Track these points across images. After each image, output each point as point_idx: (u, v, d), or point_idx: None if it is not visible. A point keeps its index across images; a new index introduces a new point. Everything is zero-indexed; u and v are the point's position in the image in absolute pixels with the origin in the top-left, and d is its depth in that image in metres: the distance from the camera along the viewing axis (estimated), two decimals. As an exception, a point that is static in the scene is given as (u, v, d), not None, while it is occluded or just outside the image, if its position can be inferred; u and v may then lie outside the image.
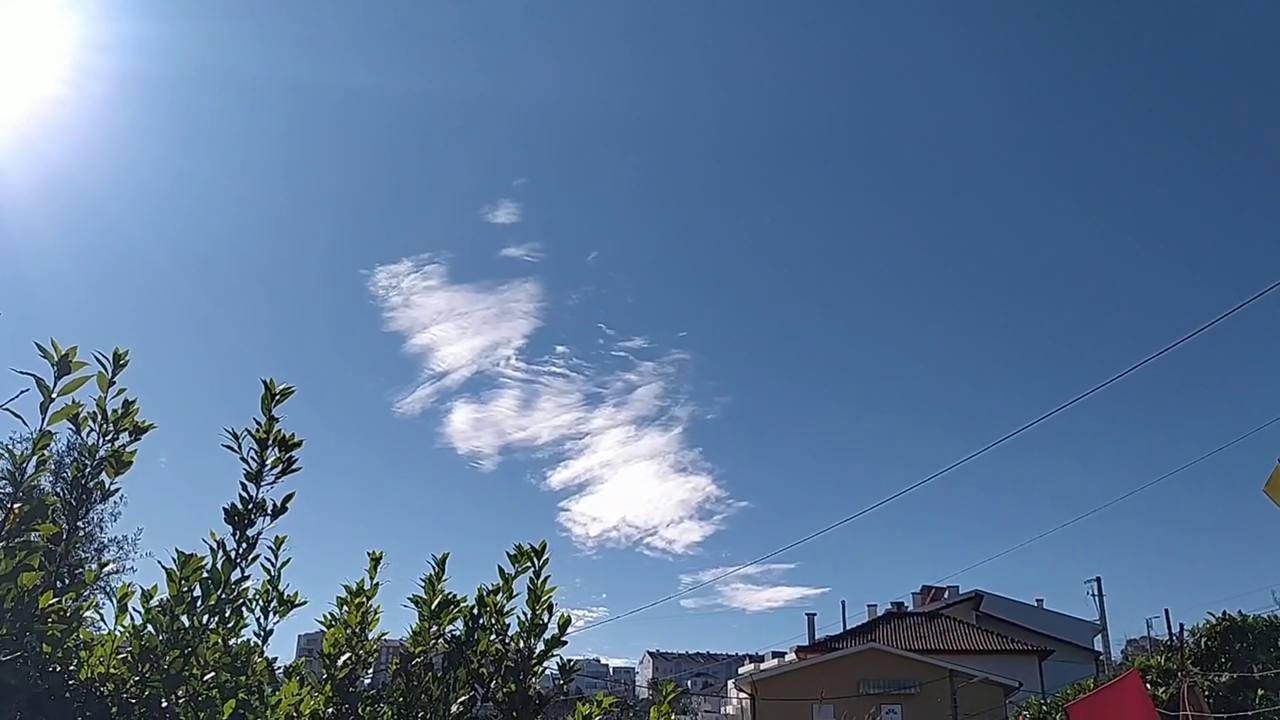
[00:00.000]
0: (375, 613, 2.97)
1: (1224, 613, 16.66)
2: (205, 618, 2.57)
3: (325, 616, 2.98)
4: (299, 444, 2.72)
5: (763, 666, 45.03)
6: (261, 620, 2.83)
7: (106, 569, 2.94)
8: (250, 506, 2.67)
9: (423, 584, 2.99)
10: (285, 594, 2.85)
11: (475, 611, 2.94)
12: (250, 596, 2.72)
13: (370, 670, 2.94)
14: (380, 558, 3.02)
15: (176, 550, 2.56)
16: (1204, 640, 16.33)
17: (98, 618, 2.70)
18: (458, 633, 2.94)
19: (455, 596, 2.98)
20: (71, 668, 2.43)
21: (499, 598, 2.94)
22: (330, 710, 2.78)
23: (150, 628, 2.53)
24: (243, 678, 2.63)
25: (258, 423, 2.70)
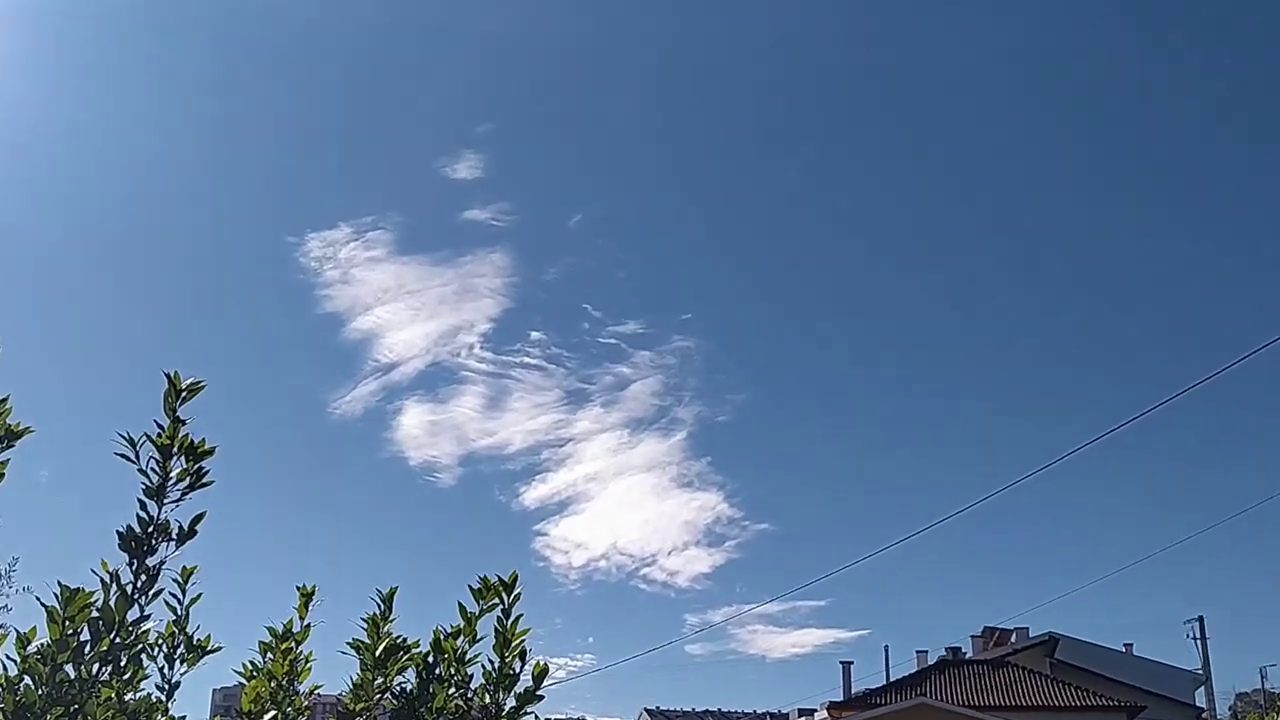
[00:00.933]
0: (307, 661, 2.96)
1: (1353, 660, 16.65)
2: (96, 667, 2.54)
3: (245, 666, 2.95)
4: (211, 452, 2.70)
5: (790, 726, 45.06)
6: (166, 670, 2.80)
7: (-27, 608, 2.92)
8: (151, 530, 2.65)
9: (365, 625, 2.97)
10: (195, 638, 2.82)
11: (430, 659, 2.92)
12: (152, 641, 2.70)
13: (301, 732, 2.90)
14: (313, 593, 3.00)
15: (59, 584, 2.53)
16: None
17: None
18: (408, 685, 2.91)
19: (405, 641, 2.95)
20: (-73, 729, 2.40)
21: (459, 642, 2.92)
22: (250, 781, 2.76)
23: (27, 680, 2.49)
24: (141, 741, 2.60)
25: (160, 426, 2.67)
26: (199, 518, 2.71)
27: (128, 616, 2.59)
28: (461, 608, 2.94)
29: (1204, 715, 41.42)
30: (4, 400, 2.56)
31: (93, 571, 2.59)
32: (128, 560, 2.63)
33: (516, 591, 2.95)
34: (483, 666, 2.93)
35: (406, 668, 2.93)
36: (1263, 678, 48.41)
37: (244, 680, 2.94)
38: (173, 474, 2.68)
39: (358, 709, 2.88)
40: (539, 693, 2.93)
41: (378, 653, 2.93)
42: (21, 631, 2.58)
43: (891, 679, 43.81)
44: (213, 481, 2.71)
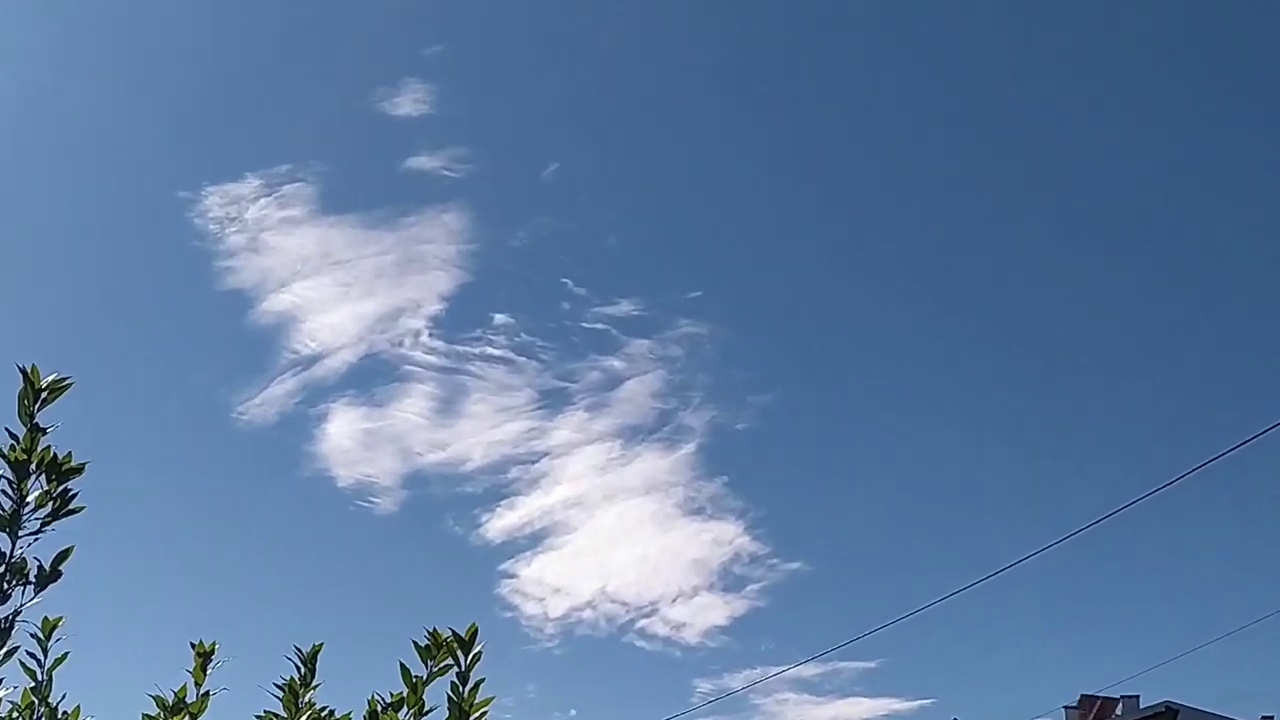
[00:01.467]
0: (205, 739, 2.92)
1: None
2: (-70, 748, 2.54)
3: (126, 745, 2.93)
4: (79, 470, 2.70)
5: (838, 819, 45.01)
6: (23, 752, 2.81)
7: None
8: (2, 570, 2.62)
9: (280, 693, 2.94)
10: (60, 709, 2.81)
11: (364, 737, 2.87)
12: (3, 714, 2.71)
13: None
14: (212, 651, 2.97)
15: (-120, 642, 2.52)
16: None
17: None
18: (336, 771, 2.90)
19: (332, 712, 2.93)
20: None
21: (402, 715, 2.87)
22: None
23: None
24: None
25: (13, 436, 2.66)
26: (64, 554, 2.67)
27: (-29, 683, 2.56)
28: (404, 670, 2.86)
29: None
30: None
31: (-75, 625, 2.56)
32: (-28, 610, 2.58)
33: (476, 649, 2.87)
34: (432, 747, 2.85)
35: (333, 748, 2.90)
36: None
37: (125, 764, 2.91)
38: (30, 498, 2.64)
39: (270, 801, 2.85)
40: (505, 780, 2.91)
41: (296, 728, 2.88)
42: None
43: (966, 760, 43.79)
44: (83, 507, 2.68)
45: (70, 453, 2.69)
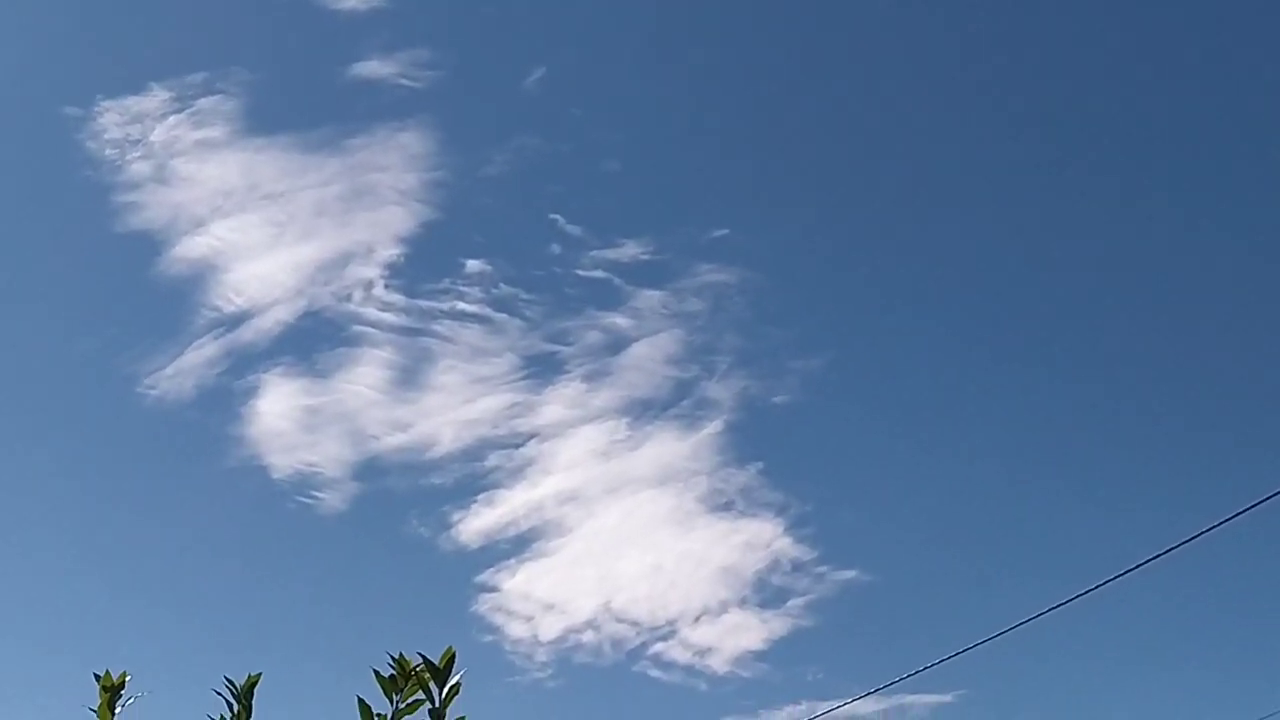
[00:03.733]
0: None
1: None
2: None
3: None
4: None
5: None
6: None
7: None
8: None
9: None
10: None
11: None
12: None
13: None
14: (122, 684, 2.77)
15: None
16: None
17: None
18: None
19: None
20: None
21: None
22: None
23: None
24: None
25: None
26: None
27: None
28: (364, 707, 2.67)
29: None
30: None
31: None
32: None
33: (454, 680, 2.67)
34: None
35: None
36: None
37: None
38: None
39: None
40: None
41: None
42: None
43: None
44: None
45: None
